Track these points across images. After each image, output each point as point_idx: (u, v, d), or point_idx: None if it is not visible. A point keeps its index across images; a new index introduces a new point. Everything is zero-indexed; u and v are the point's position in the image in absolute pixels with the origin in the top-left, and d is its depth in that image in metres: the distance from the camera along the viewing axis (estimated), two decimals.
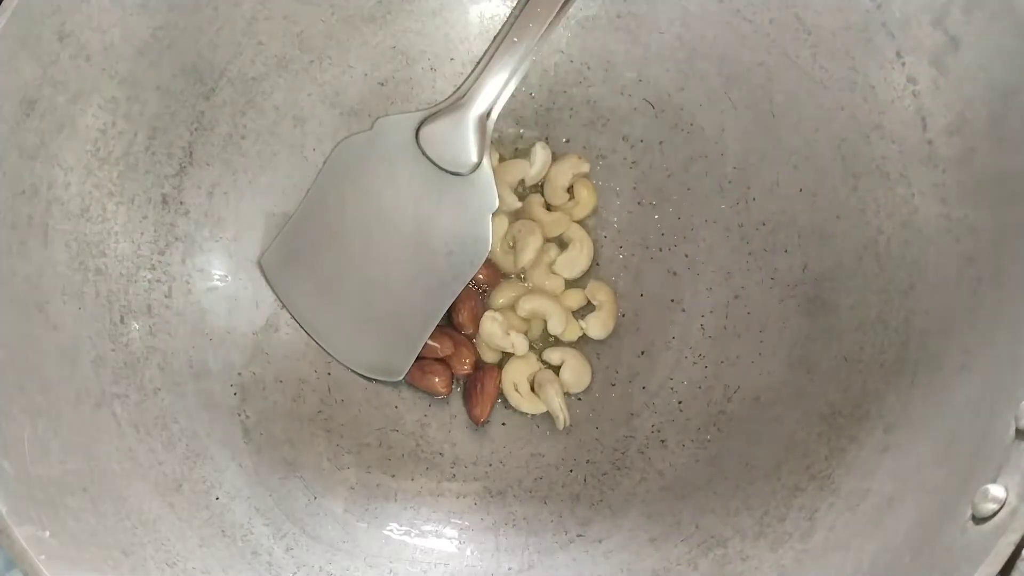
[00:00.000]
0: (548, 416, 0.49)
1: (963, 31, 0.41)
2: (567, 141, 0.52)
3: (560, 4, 0.44)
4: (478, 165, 0.46)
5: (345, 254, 0.48)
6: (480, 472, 0.48)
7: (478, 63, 0.45)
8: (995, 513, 0.32)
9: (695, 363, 0.48)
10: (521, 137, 0.52)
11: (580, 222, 0.51)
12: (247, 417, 0.46)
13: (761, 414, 0.46)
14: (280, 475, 0.45)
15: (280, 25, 0.48)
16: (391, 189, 0.48)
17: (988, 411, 0.36)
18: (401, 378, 0.49)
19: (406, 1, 0.50)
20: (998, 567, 0.32)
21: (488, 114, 0.46)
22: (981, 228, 0.40)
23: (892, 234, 0.44)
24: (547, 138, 0.52)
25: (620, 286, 0.50)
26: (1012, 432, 0.34)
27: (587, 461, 0.47)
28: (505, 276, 0.51)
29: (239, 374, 0.47)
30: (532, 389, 0.49)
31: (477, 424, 0.49)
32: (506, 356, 0.50)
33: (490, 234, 0.47)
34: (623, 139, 0.51)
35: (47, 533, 0.35)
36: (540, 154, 0.51)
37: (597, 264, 0.51)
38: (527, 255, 0.50)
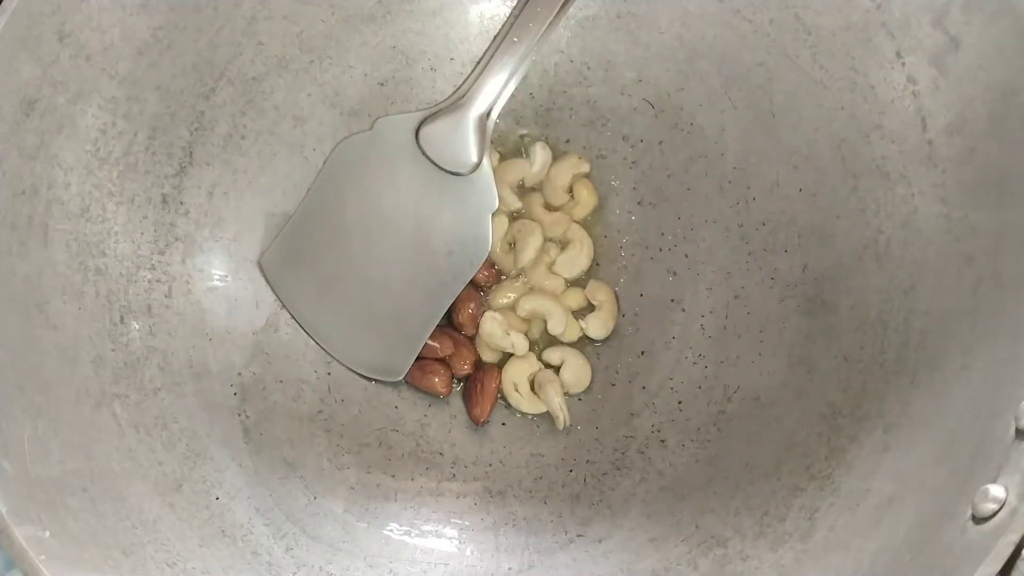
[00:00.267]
0: (548, 416, 0.49)
1: (963, 31, 0.41)
2: (567, 141, 0.52)
3: (560, 4, 0.44)
4: (478, 165, 0.46)
5: (345, 254, 0.48)
6: (480, 472, 0.48)
7: (478, 63, 0.45)
8: (995, 513, 0.32)
9: (695, 363, 0.48)
10: (521, 138, 0.52)
11: (580, 222, 0.51)
12: (247, 417, 0.46)
13: (761, 414, 0.46)
14: (280, 475, 0.45)
15: (280, 25, 0.48)
16: (391, 189, 0.48)
17: (988, 411, 0.36)
18: (401, 378, 0.49)
19: (406, 1, 0.50)
20: (998, 567, 0.32)
21: (488, 114, 0.46)
22: (981, 228, 0.40)
23: (892, 234, 0.44)
24: (547, 138, 0.52)
25: (620, 286, 0.50)
26: (1012, 432, 0.34)
27: (587, 461, 0.47)
28: (505, 276, 0.51)
29: (239, 374, 0.47)
30: (532, 389, 0.49)
31: (477, 424, 0.49)
32: (506, 356, 0.50)
33: (490, 234, 0.47)
34: (623, 139, 0.51)
35: (47, 533, 0.35)
36: (540, 154, 0.51)
37: (597, 264, 0.51)
38: (527, 255, 0.50)
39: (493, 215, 0.47)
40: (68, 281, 0.42)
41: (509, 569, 0.44)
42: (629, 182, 0.51)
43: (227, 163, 0.48)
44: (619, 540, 0.44)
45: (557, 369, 0.50)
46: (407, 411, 0.49)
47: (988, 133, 0.40)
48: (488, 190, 0.47)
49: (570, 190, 0.51)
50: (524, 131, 0.52)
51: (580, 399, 0.50)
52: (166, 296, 0.46)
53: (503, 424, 0.49)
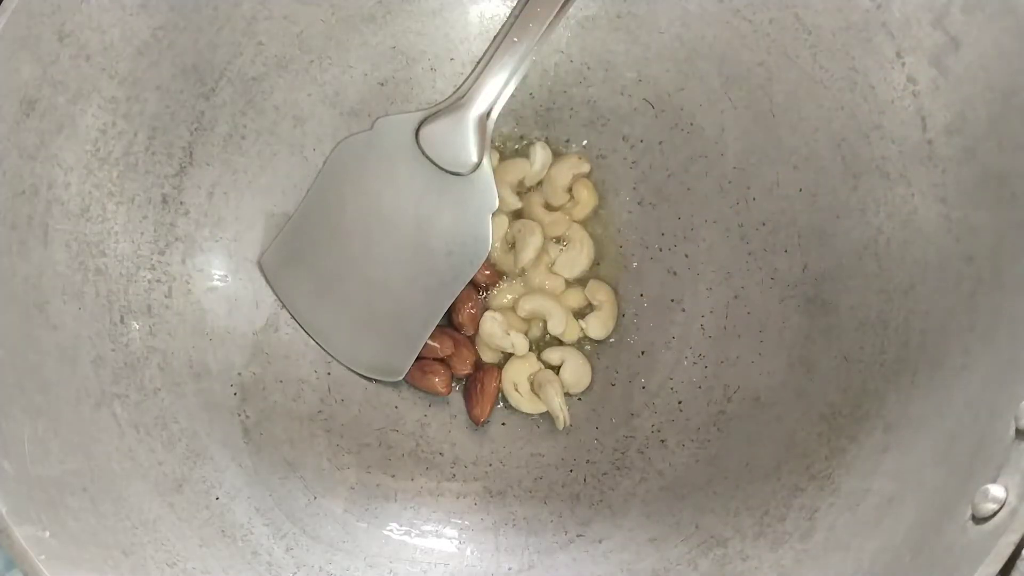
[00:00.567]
0: (548, 416, 0.49)
1: (963, 31, 0.41)
2: (567, 141, 0.52)
3: (560, 4, 0.44)
4: (478, 165, 0.46)
5: (345, 254, 0.48)
6: (480, 472, 0.48)
7: (478, 63, 0.45)
8: (995, 513, 0.32)
9: (695, 363, 0.48)
10: (521, 138, 0.52)
11: (580, 222, 0.51)
12: (247, 417, 0.46)
13: (761, 414, 0.46)
14: (280, 475, 0.45)
15: (280, 25, 0.48)
16: (391, 189, 0.48)
17: (988, 411, 0.36)
18: (401, 378, 0.49)
19: (406, 1, 0.50)
20: (998, 567, 0.32)
21: (488, 114, 0.46)
22: (981, 228, 0.40)
23: (892, 234, 0.44)
24: (547, 138, 0.52)
25: (620, 286, 0.50)
26: (1012, 432, 0.34)
27: (587, 461, 0.47)
28: (505, 276, 0.51)
29: (239, 374, 0.47)
30: (532, 389, 0.49)
31: (477, 424, 0.49)
32: (506, 356, 0.50)
33: (490, 234, 0.47)
34: (623, 139, 0.51)
35: (47, 533, 0.35)
36: (540, 154, 0.51)
37: (597, 264, 0.51)
38: (527, 255, 0.50)
39: (493, 215, 0.47)
40: (68, 281, 0.42)
41: (509, 569, 0.44)
42: (629, 182, 0.51)
43: (227, 163, 0.48)
44: (619, 540, 0.44)
45: (557, 369, 0.50)
46: (407, 411, 0.49)
47: (988, 133, 0.40)
48: (488, 190, 0.47)
49: (570, 190, 0.51)
50: (524, 131, 0.52)
51: (580, 399, 0.50)
52: (166, 296, 0.46)
53: (503, 424, 0.49)
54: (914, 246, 0.43)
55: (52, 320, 0.41)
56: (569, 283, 0.51)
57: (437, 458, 0.48)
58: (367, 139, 0.48)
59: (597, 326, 0.50)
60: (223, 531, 0.42)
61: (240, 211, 0.48)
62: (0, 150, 0.40)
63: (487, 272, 0.50)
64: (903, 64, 0.43)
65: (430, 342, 0.49)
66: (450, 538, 0.45)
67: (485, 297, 0.51)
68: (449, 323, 0.50)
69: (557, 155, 0.52)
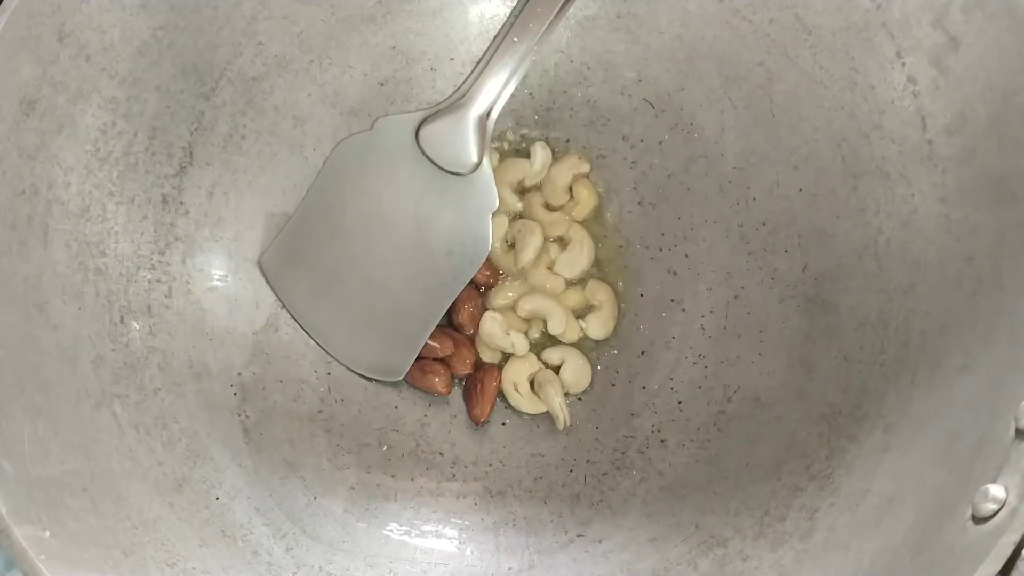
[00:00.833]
0: (548, 416, 0.49)
1: (963, 31, 0.41)
2: (567, 141, 0.52)
3: (560, 4, 0.44)
4: (478, 165, 0.46)
5: (345, 254, 0.48)
6: (480, 472, 0.48)
7: (478, 63, 0.45)
8: (995, 513, 0.32)
9: (695, 363, 0.48)
10: (521, 138, 0.52)
11: (580, 222, 0.51)
12: (247, 417, 0.46)
13: (761, 414, 0.46)
14: (280, 475, 0.45)
15: (280, 25, 0.48)
16: (391, 189, 0.48)
17: (988, 411, 0.36)
18: (401, 378, 0.49)
19: (406, 1, 0.50)
20: (998, 567, 0.32)
21: (488, 114, 0.46)
22: (981, 228, 0.40)
23: (892, 234, 0.44)
24: (547, 138, 0.52)
25: (620, 286, 0.50)
26: (1012, 432, 0.34)
27: (587, 461, 0.47)
28: (505, 276, 0.51)
29: (239, 374, 0.47)
30: (532, 389, 0.49)
31: (477, 424, 0.49)
32: (506, 356, 0.50)
33: (490, 234, 0.47)
34: (623, 139, 0.51)
35: (47, 533, 0.35)
36: (540, 154, 0.51)
37: (597, 264, 0.51)
38: (527, 255, 0.50)
39: (493, 215, 0.47)
40: (68, 281, 0.42)
41: (509, 569, 0.44)
42: (629, 182, 0.51)
43: (227, 163, 0.48)
44: (619, 540, 0.44)
45: (557, 369, 0.50)
46: (407, 411, 0.49)
47: (988, 133, 0.40)
48: (488, 190, 0.47)
49: (570, 190, 0.51)
50: (524, 131, 0.52)
51: (580, 399, 0.50)
52: (166, 296, 0.46)
53: (503, 424, 0.49)
54: (914, 246, 0.43)
55: (52, 320, 0.41)
56: (569, 283, 0.51)
57: (437, 458, 0.48)
58: (367, 139, 0.48)
59: (597, 326, 0.50)
60: (223, 531, 0.42)
61: (240, 211, 0.48)
62: (0, 150, 0.40)
63: (487, 272, 0.50)
64: (903, 64, 0.43)
65: (430, 342, 0.49)
66: (450, 538, 0.45)
67: (485, 297, 0.51)
68: (449, 323, 0.50)
69: (557, 155, 0.52)
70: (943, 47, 0.42)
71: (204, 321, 0.46)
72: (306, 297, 0.49)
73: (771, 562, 0.40)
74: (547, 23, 0.44)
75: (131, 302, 0.44)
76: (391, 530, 0.45)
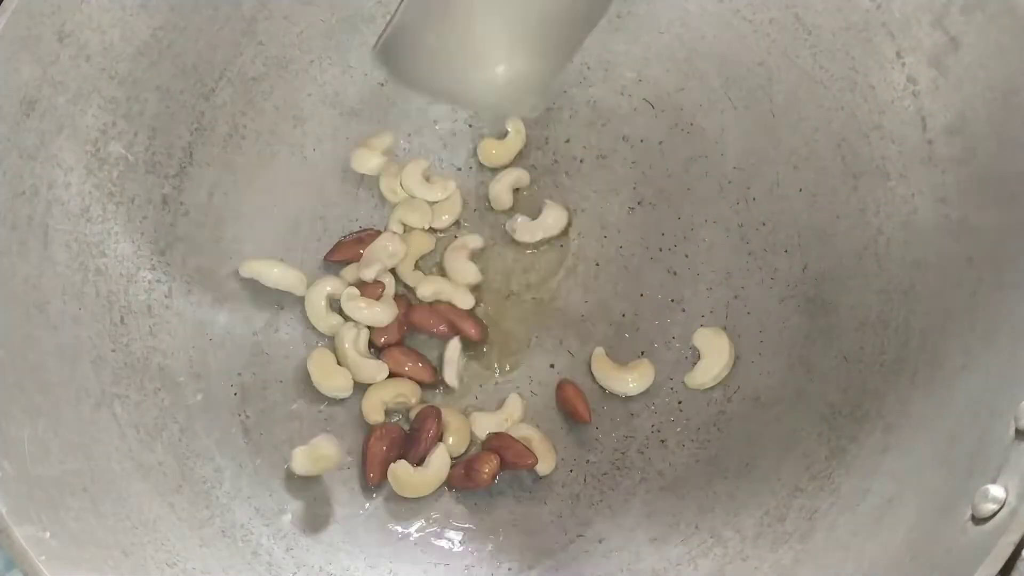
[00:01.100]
0: (548, 416, 0.49)
1: (963, 31, 0.41)
2: (567, 141, 0.52)
3: None
4: None
5: None
6: None
7: None
8: (995, 513, 0.32)
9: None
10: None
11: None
12: (247, 417, 0.46)
13: (761, 414, 0.46)
14: (280, 475, 0.45)
15: (280, 25, 0.48)
16: None
17: (988, 411, 0.36)
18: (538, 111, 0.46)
19: None
20: (998, 567, 0.32)
21: None
22: (981, 228, 0.40)
23: (892, 234, 0.44)
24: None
25: (620, 286, 0.50)
26: (1012, 432, 0.34)
27: (587, 461, 0.47)
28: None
29: (239, 374, 0.47)
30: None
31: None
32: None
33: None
34: (623, 139, 0.51)
35: (47, 533, 0.35)
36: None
37: (597, 264, 0.51)
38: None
39: None
40: (68, 281, 0.42)
41: (509, 569, 0.44)
42: (629, 182, 0.51)
43: (227, 163, 0.48)
44: (619, 540, 0.44)
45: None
46: None
47: (988, 133, 0.40)
48: None
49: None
50: (524, 131, 0.52)
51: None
52: (166, 296, 0.46)
53: None
54: (914, 246, 0.43)
55: (52, 320, 0.41)
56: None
57: None
58: None
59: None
60: (223, 531, 0.42)
61: (240, 211, 0.48)
62: (0, 150, 0.40)
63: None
64: (903, 64, 0.43)
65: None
66: (450, 538, 0.45)
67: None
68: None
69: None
70: (943, 47, 0.42)
71: (204, 321, 0.46)
72: (427, 68, 0.42)
73: (771, 562, 0.40)
74: None
75: (131, 302, 0.44)
76: (391, 530, 0.45)
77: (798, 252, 0.47)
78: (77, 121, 0.43)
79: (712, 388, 0.47)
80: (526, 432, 0.46)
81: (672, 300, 0.49)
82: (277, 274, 0.47)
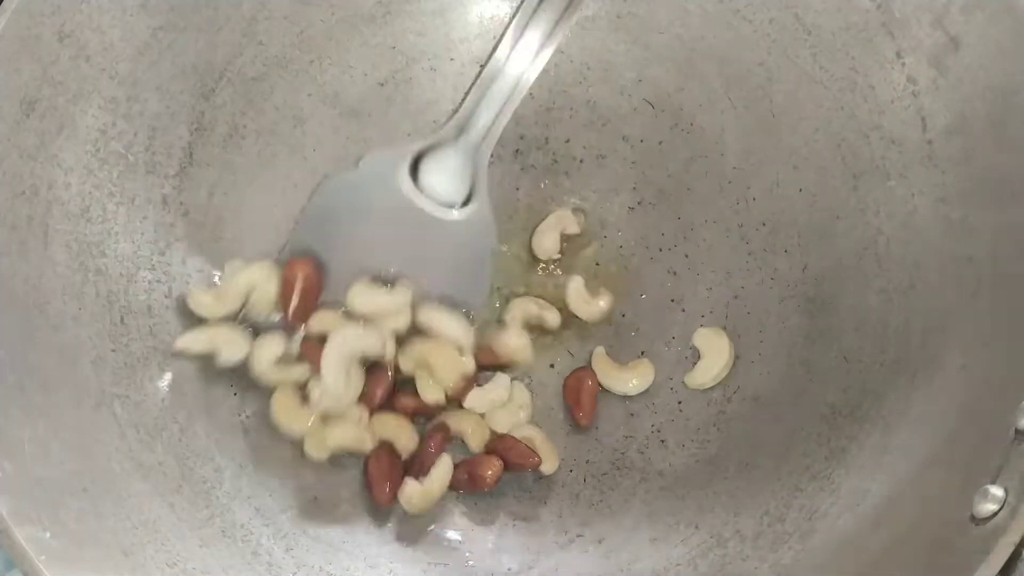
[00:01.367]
0: (548, 417, 0.49)
1: (963, 31, 0.41)
2: (567, 141, 0.52)
3: (551, 33, 0.43)
4: (470, 202, 0.44)
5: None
6: None
7: (466, 93, 0.45)
8: (995, 513, 0.32)
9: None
10: (522, 138, 0.52)
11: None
12: (247, 417, 0.46)
13: (761, 414, 0.46)
14: (280, 475, 0.45)
15: (280, 25, 0.48)
16: (379, 234, 0.46)
17: (988, 411, 0.36)
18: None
19: (406, 1, 0.50)
20: (998, 567, 0.32)
21: (480, 147, 0.44)
22: (981, 228, 0.40)
23: (892, 234, 0.44)
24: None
25: (620, 286, 0.50)
26: (1012, 432, 0.34)
27: (587, 461, 0.47)
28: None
29: (239, 374, 0.47)
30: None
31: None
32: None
33: (489, 277, 0.45)
34: (623, 139, 0.51)
35: (47, 533, 0.35)
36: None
37: (597, 264, 0.51)
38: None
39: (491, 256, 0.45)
40: (68, 281, 0.42)
41: (509, 569, 0.44)
42: (629, 182, 0.51)
43: (227, 163, 0.48)
44: (619, 540, 0.44)
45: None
46: None
47: (988, 133, 0.40)
48: (486, 229, 0.45)
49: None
50: (524, 131, 0.52)
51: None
52: (166, 296, 0.46)
53: None
54: (914, 246, 0.43)
55: (52, 320, 0.41)
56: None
57: None
58: (351, 180, 0.46)
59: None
60: (223, 531, 0.42)
61: (240, 211, 0.48)
62: (0, 150, 0.40)
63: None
64: (903, 64, 0.43)
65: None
66: (450, 538, 0.45)
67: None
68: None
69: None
70: (943, 47, 0.42)
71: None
72: None
73: (771, 562, 0.40)
74: (538, 53, 0.43)
75: (131, 302, 0.44)
76: (391, 530, 0.45)
77: (798, 252, 0.47)
78: (77, 121, 0.43)
79: (712, 388, 0.47)
80: (528, 432, 0.46)
81: (672, 300, 0.49)
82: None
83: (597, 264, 0.51)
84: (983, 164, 0.41)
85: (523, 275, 0.51)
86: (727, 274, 0.49)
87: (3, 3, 0.40)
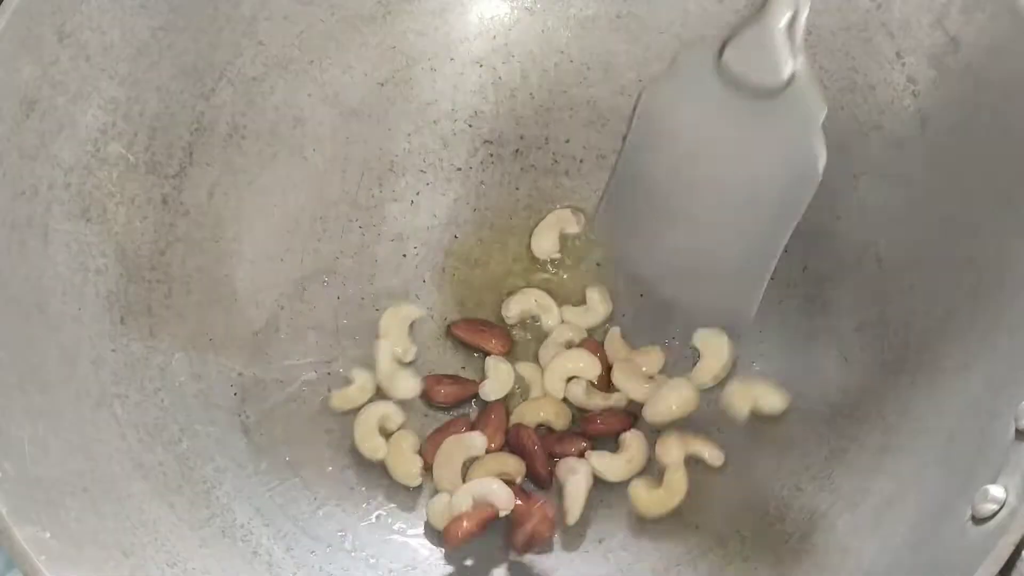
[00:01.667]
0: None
1: (963, 31, 0.41)
2: (567, 141, 0.52)
3: None
4: (791, 79, 0.40)
5: (671, 203, 0.46)
6: None
7: None
8: (995, 513, 0.32)
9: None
10: (522, 138, 0.52)
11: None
12: (247, 417, 0.46)
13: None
14: (280, 475, 0.45)
15: (280, 25, 0.48)
16: (704, 127, 0.43)
17: (988, 411, 0.36)
18: (749, 323, 0.45)
19: (406, 1, 0.50)
20: (998, 567, 0.32)
21: (795, 16, 0.39)
22: (981, 228, 0.40)
23: (892, 234, 0.44)
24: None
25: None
26: (1012, 432, 0.34)
27: None
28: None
29: (239, 374, 0.47)
30: None
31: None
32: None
33: (821, 151, 0.41)
34: (623, 139, 0.51)
35: (47, 534, 0.35)
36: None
37: (597, 264, 0.51)
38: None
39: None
40: (68, 281, 0.42)
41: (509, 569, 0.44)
42: None
43: (227, 163, 0.48)
44: (619, 540, 0.44)
45: None
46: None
47: (988, 133, 0.40)
48: (810, 99, 0.40)
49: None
50: (524, 131, 0.52)
51: None
52: (166, 296, 0.46)
53: None
54: (914, 246, 0.43)
55: (52, 320, 0.41)
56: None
57: None
58: (669, 79, 0.44)
59: None
60: (223, 531, 0.42)
61: (240, 211, 0.48)
62: (0, 150, 0.40)
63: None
64: (903, 64, 0.43)
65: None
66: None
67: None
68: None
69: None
70: (943, 47, 0.42)
71: (204, 321, 0.46)
72: (642, 253, 0.47)
73: (771, 562, 0.40)
74: None
75: (131, 302, 0.44)
76: (392, 531, 0.45)
77: (798, 252, 0.47)
78: (77, 121, 0.43)
79: (712, 388, 0.47)
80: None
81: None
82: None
83: (598, 265, 0.51)
84: (983, 164, 0.41)
85: (523, 275, 0.51)
86: None
87: (3, 3, 0.40)
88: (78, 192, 0.43)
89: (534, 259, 0.51)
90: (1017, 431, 0.34)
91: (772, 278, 0.47)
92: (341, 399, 0.47)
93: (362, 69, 0.50)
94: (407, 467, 0.46)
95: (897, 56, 0.43)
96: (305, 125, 0.49)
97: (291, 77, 0.49)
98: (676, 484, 0.44)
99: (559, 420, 0.47)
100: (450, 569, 0.44)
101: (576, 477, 0.44)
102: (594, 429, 0.46)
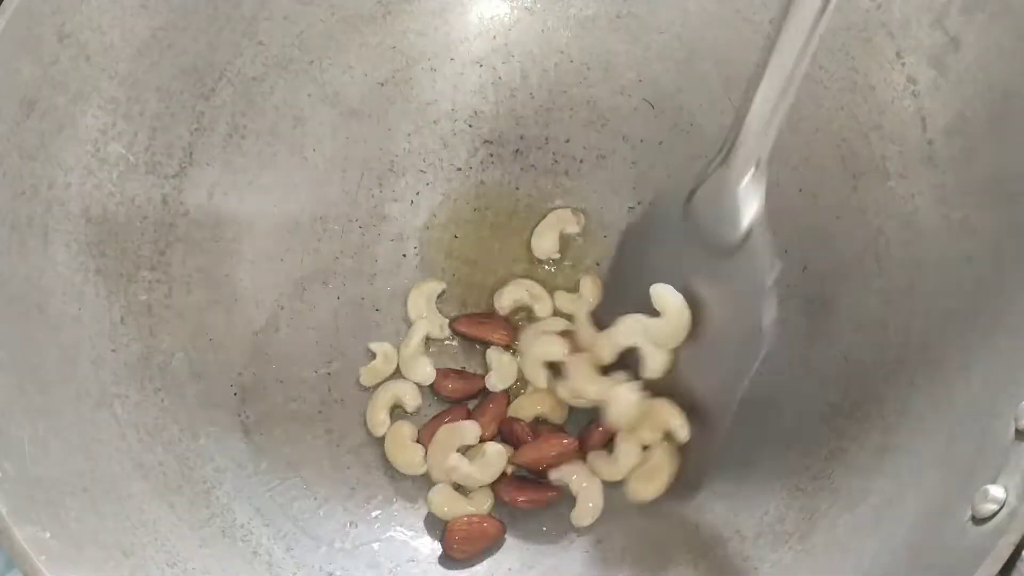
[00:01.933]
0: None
1: (963, 31, 0.41)
2: (567, 141, 0.52)
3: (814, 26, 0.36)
4: (747, 235, 0.40)
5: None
6: None
7: (737, 115, 0.39)
8: (995, 514, 0.32)
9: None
10: (522, 138, 0.52)
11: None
12: (247, 417, 0.46)
13: (761, 414, 0.45)
14: (280, 475, 0.45)
15: (280, 25, 0.48)
16: (671, 276, 0.43)
17: (988, 411, 0.36)
18: (697, 493, 0.44)
19: (406, 1, 0.50)
20: (998, 567, 0.32)
21: (756, 166, 0.39)
22: (981, 228, 0.40)
23: (892, 234, 0.44)
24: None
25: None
26: (1012, 432, 0.34)
27: None
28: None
29: (239, 374, 0.47)
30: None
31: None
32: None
33: (768, 311, 0.40)
34: (623, 139, 0.51)
35: (47, 534, 0.35)
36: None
37: (598, 264, 0.51)
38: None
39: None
40: (68, 281, 0.42)
41: (509, 569, 0.44)
42: (629, 182, 0.51)
43: (227, 163, 0.48)
44: (619, 540, 0.44)
45: None
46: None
47: (988, 133, 0.40)
48: (762, 258, 0.40)
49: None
50: (524, 131, 0.52)
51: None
52: (166, 296, 0.46)
53: None
54: (914, 246, 0.43)
55: (52, 320, 0.41)
56: None
57: None
58: (643, 221, 0.46)
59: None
60: (223, 531, 0.42)
61: (240, 211, 0.48)
62: (0, 150, 0.40)
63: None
64: (903, 64, 0.43)
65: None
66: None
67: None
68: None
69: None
70: (943, 47, 0.42)
71: (204, 321, 0.46)
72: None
73: (771, 562, 0.40)
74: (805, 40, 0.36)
75: (131, 302, 0.44)
76: (392, 530, 0.45)
77: (798, 252, 0.47)
78: (77, 121, 0.43)
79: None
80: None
81: None
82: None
83: (598, 264, 0.51)
84: (983, 164, 0.41)
85: (523, 275, 0.51)
86: None
87: (3, 3, 0.40)
88: (78, 192, 0.43)
89: (534, 259, 0.51)
90: (1017, 431, 0.33)
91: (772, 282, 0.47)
92: (369, 374, 0.48)
93: (362, 69, 0.50)
94: (408, 456, 0.46)
95: (897, 56, 0.43)
96: (305, 125, 0.49)
97: (291, 77, 0.49)
98: (661, 461, 0.44)
99: (555, 414, 0.47)
100: (451, 567, 0.44)
101: (589, 484, 0.45)
102: (592, 442, 0.46)
